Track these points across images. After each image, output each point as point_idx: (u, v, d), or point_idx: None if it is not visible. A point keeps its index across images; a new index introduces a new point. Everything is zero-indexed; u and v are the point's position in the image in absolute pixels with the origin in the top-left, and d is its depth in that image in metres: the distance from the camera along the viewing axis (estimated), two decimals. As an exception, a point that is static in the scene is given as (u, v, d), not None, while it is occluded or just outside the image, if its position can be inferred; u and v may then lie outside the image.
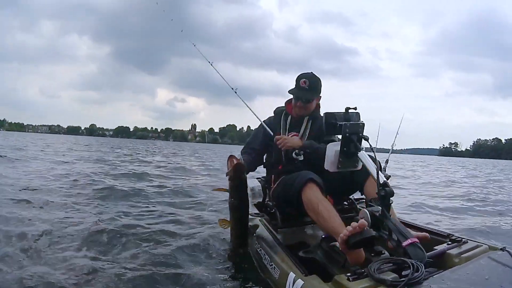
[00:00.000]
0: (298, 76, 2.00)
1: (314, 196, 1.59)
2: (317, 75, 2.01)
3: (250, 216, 2.32)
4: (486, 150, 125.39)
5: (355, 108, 1.66)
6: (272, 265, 1.65)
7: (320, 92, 2.05)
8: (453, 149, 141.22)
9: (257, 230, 2.05)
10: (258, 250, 1.89)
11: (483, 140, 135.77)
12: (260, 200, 2.39)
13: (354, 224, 1.33)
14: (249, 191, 3.08)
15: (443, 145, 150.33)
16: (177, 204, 4.06)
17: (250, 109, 2.26)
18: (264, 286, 1.73)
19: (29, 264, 2.01)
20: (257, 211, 2.41)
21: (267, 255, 1.75)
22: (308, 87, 1.96)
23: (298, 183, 1.65)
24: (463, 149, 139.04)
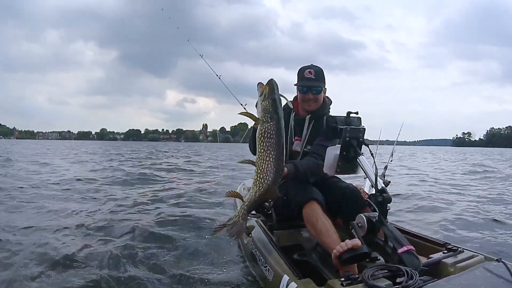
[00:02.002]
0: (300, 69, 1.88)
1: (314, 213, 1.59)
2: (318, 66, 1.89)
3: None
4: (499, 139, 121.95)
5: (357, 113, 1.65)
6: (266, 266, 1.65)
7: (325, 83, 1.92)
8: (466, 139, 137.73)
9: (253, 231, 2.04)
10: (253, 251, 1.88)
11: (496, 129, 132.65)
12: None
13: (348, 241, 1.34)
14: (246, 191, 3.09)
15: (456, 135, 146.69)
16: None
17: (235, 96, 2.24)
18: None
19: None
20: (253, 212, 2.41)
21: (261, 256, 1.74)
22: (314, 76, 1.84)
23: (300, 199, 1.64)
24: (477, 139, 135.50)
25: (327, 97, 1.95)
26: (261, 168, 1.47)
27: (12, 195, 4.44)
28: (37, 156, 14.40)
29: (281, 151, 1.48)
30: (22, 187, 5.10)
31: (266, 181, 1.46)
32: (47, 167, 8.87)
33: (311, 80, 1.84)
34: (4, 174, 6.71)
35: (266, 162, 1.47)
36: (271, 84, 1.49)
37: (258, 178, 1.48)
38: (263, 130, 1.47)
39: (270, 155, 1.46)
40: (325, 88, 1.92)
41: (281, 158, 1.48)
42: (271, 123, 1.47)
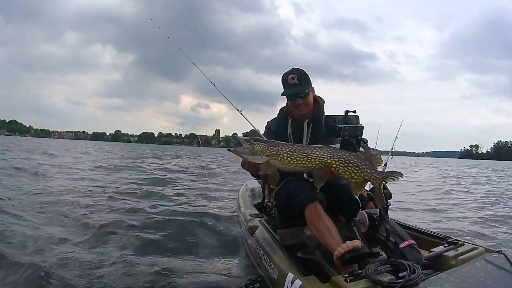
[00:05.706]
0: (283, 76, 1.84)
1: (316, 213, 1.60)
2: (300, 68, 1.87)
3: (249, 217, 2.35)
4: (507, 151, 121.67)
5: (355, 111, 1.67)
6: (271, 265, 1.67)
7: (311, 83, 1.87)
8: (474, 152, 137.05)
9: (257, 231, 2.07)
10: (257, 250, 1.91)
11: (503, 142, 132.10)
12: (260, 201, 2.41)
13: (349, 243, 1.37)
14: (249, 192, 3.12)
15: (464, 147, 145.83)
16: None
17: (230, 102, 2.41)
18: (263, 286, 1.75)
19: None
20: (257, 212, 2.44)
21: (266, 255, 1.77)
22: (298, 81, 1.80)
23: (302, 199, 1.65)
24: (484, 151, 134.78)
25: (319, 97, 1.92)
26: (336, 159, 1.43)
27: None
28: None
29: (309, 145, 1.51)
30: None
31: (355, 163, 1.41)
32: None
33: (296, 85, 1.80)
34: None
35: (329, 153, 1.43)
36: (237, 138, 1.54)
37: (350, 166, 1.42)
38: (284, 156, 1.45)
39: (318, 149, 1.46)
40: (313, 87, 1.87)
41: (319, 146, 1.49)
42: (279, 147, 1.47)
